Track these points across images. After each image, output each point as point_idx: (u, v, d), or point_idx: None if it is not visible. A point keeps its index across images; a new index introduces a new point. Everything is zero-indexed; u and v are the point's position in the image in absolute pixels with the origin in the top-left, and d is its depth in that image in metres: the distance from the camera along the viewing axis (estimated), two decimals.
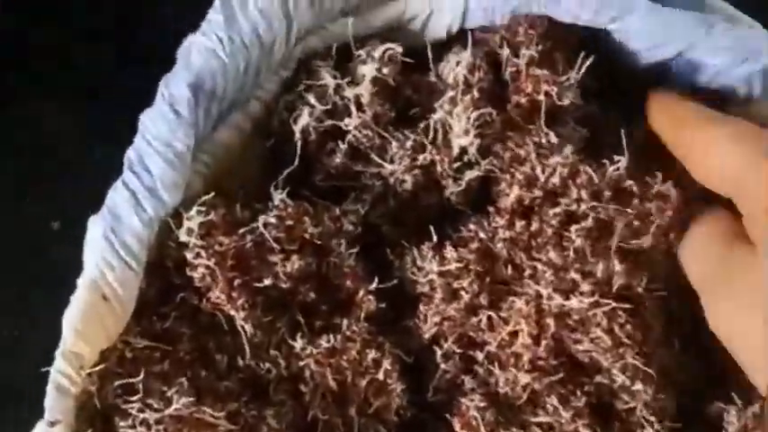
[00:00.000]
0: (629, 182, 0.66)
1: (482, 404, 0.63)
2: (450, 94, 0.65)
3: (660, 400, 0.63)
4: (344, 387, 0.64)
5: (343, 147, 0.67)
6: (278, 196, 0.64)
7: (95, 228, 0.61)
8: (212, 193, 0.63)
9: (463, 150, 0.66)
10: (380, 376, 0.64)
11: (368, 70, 0.66)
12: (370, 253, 0.68)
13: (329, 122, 0.66)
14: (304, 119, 0.66)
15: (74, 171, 0.88)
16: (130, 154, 0.63)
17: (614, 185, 0.66)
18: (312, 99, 0.66)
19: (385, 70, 0.67)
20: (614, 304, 0.62)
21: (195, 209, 0.62)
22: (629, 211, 0.64)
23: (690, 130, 0.63)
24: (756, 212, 0.56)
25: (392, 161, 0.66)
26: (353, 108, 0.66)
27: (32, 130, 0.88)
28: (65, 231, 0.86)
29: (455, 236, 0.67)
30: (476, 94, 0.65)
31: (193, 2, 0.63)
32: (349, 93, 0.66)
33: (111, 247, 0.60)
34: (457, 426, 0.64)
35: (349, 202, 0.66)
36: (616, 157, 0.67)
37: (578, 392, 0.63)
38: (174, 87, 0.63)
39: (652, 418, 0.62)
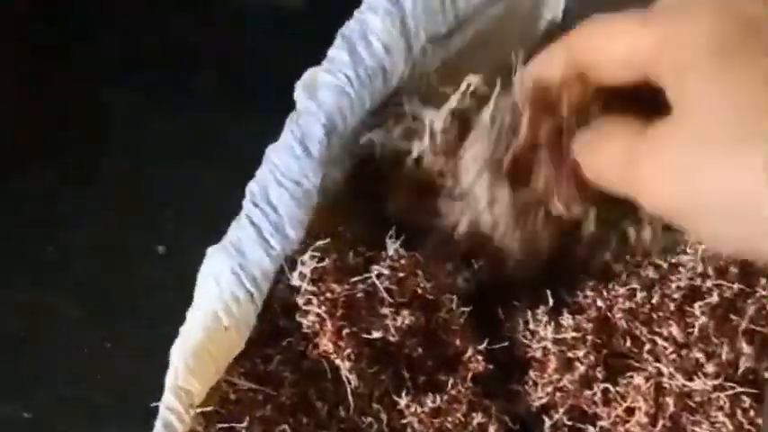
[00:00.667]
0: None
1: None
2: None
3: None
4: None
5: (409, 163, 0.65)
6: (392, 246, 0.62)
7: (217, 261, 0.60)
8: (327, 239, 0.61)
9: None
10: None
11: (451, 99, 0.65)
12: (479, 309, 0.66)
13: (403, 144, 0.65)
14: (380, 137, 0.65)
15: None
16: (253, 188, 0.62)
17: (742, 262, 0.63)
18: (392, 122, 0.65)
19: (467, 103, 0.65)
20: (739, 389, 0.58)
21: (309, 253, 0.61)
22: (758, 290, 0.61)
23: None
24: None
25: None
26: (427, 133, 0.64)
27: None
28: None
29: (571, 301, 0.64)
30: None
31: None
32: (427, 120, 0.65)
33: (238, 281, 0.59)
34: None
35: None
36: None
37: None
38: (306, 125, 0.62)
39: None
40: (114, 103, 0.87)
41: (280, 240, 0.61)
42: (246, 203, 0.62)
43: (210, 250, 0.61)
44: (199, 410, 0.57)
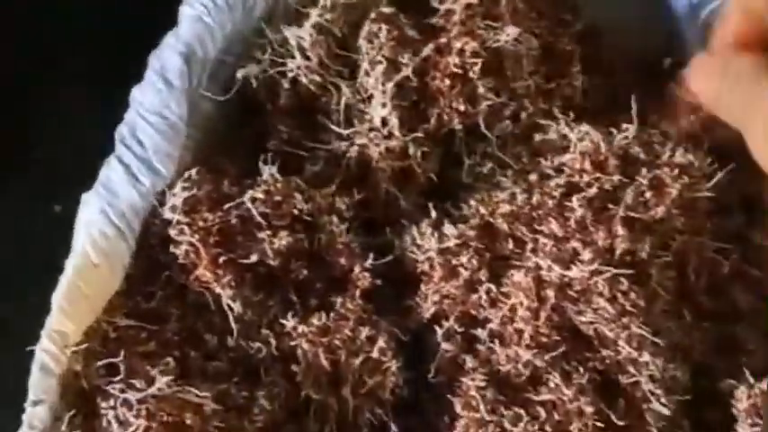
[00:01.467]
0: (638, 149, 0.62)
1: (483, 383, 0.59)
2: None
3: (669, 371, 0.57)
4: (338, 366, 0.60)
5: (286, 86, 0.63)
6: (267, 170, 0.61)
7: (89, 205, 0.59)
8: (196, 168, 0.60)
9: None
10: (375, 354, 0.60)
11: (312, 15, 0.63)
12: (371, 232, 0.65)
13: (275, 70, 0.64)
14: (252, 69, 0.64)
15: None
16: (122, 129, 0.60)
17: (622, 154, 0.62)
18: (259, 53, 0.64)
19: (328, 16, 0.63)
20: (615, 271, 0.57)
21: (180, 185, 0.59)
22: (638, 179, 0.60)
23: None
24: None
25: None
26: (297, 52, 0.63)
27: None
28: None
29: (457, 214, 0.63)
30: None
31: None
32: (293, 40, 0.63)
33: (106, 219, 0.58)
34: (458, 406, 0.59)
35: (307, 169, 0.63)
36: (624, 126, 0.63)
37: (581, 369, 0.58)
38: (165, 58, 0.61)
39: (658, 391, 0.56)
40: None
41: (149, 176, 0.59)
42: (117, 144, 0.60)
43: (85, 196, 0.60)
44: (74, 349, 0.55)
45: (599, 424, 0.57)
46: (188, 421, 0.55)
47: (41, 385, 0.55)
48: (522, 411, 0.58)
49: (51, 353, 0.55)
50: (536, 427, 0.57)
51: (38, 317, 0.57)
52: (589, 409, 0.57)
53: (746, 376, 0.58)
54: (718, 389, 0.59)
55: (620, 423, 0.57)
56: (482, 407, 0.58)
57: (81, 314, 0.56)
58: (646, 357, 0.57)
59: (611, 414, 0.57)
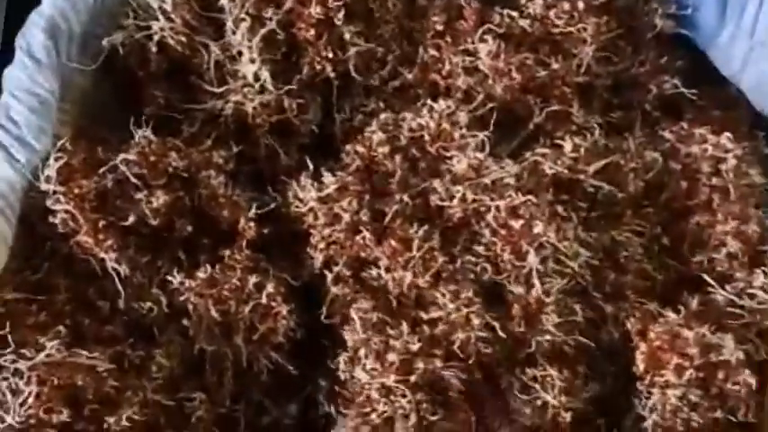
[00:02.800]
0: None
1: (367, 307, 0.59)
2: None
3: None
4: (228, 316, 0.59)
5: (153, 49, 0.63)
6: (139, 132, 0.60)
7: None
8: (67, 137, 0.59)
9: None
10: (264, 300, 0.59)
11: None
12: (259, 189, 0.64)
13: (141, 34, 0.63)
14: (117, 37, 0.63)
15: None
16: None
17: None
18: (123, 20, 0.63)
19: None
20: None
21: (54, 155, 0.59)
22: None
23: None
24: None
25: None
26: (160, 15, 0.62)
27: None
28: None
29: (336, 165, 0.63)
30: None
31: None
32: (154, 3, 0.62)
33: None
34: (347, 335, 0.59)
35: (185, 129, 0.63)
36: None
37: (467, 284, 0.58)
38: (30, 36, 0.60)
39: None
40: None
41: (23, 152, 0.58)
42: None
43: None
44: None
45: (483, 333, 0.56)
46: (80, 383, 0.55)
47: None
48: (405, 326, 0.57)
49: None
50: (419, 338, 0.57)
51: None
52: (476, 321, 0.57)
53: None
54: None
55: (503, 334, 0.57)
56: (368, 330, 0.58)
57: None
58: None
59: (497, 324, 0.57)
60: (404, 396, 0.56)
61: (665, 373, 0.55)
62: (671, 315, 0.57)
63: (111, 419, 0.55)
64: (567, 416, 0.57)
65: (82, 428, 0.55)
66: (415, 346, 0.56)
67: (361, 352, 0.57)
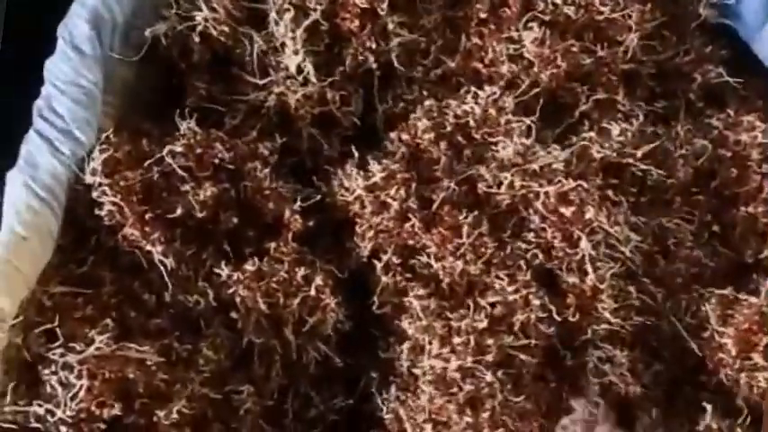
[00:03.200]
0: None
1: (425, 295, 0.58)
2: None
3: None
4: (277, 309, 0.58)
5: (196, 40, 0.61)
6: (184, 124, 0.59)
7: (13, 183, 0.57)
8: (111, 129, 0.58)
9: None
10: (312, 293, 0.58)
11: None
12: (301, 181, 0.63)
13: (184, 25, 0.61)
14: (160, 27, 0.61)
15: None
16: (39, 103, 0.58)
17: None
18: (166, 11, 0.62)
19: None
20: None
21: (98, 148, 0.58)
22: None
23: None
24: None
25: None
26: (203, 5, 0.61)
27: None
28: None
29: (379, 153, 0.62)
30: None
31: None
32: None
33: (31, 192, 0.55)
34: (405, 323, 0.58)
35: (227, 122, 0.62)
36: None
37: (524, 266, 0.57)
38: (73, 27, 0.58)
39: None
40: None
41: (69, 145, 0.57)
42: (35, 119, 0.58)
43: (9, 175, 0.57)
44: (12, 323, 0.53)
45: (541, 314, 0.56)
46: (131, 376, 0.53)
47: None
48: (466, 310, 0.57)
49: None
50: (482, 317, 0.56)
51: None
52: (536, 302, 0.56)
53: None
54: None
55: (560, 318, 0.56)
56: (427, 315, 0.57)
57: (15, 289, 0.54)
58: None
59: (553, 308, 0.56)
60: (484, 375, 0.55)
61: (753, 356, 0.55)
62: (752, 298, 0.56)
63: (162, 413, 0.54)
64: (634, 392, 0.56)
65: (132, 422, 0.54)
66: (483, 324, 0.56)
67: (425, 339, 0.56)
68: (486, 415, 0.55)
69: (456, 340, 0.55)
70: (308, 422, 0.60)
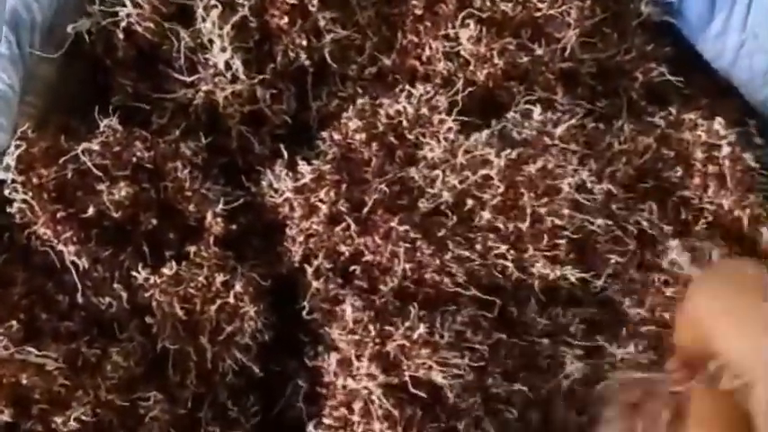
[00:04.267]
0: None
1: (359, 305, 0.54)
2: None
3: None
4: (194, 315, 0.54)
5: (121, 36, 0.58)
6: (104, 122, 0.56)
7: None
8: (27, 125, 0.55)
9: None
10: (231, 300, 0.54)
11: None
12: (232, 182, 0.60)
13: (108, 21, 0.58)
14: (84, 23, 0.58)
15: None
16: None
17: None
18: (89, 6, 0.59)
19: None
20: None
21: (13, 143, 0.54)
22: None
23: None
24: None
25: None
26: (127, 1, 0.58)
27: None
28: None
29: (313, 154, 0.59)
30: None
31: None
32: None
33: None
34: (335, 332, 0.54)
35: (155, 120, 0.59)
36: None
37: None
38: None
39: None
40: None
41: None
42: None
43: None
44: None
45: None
46: (24, 382, 0.50)
47: None
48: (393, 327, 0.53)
49: None
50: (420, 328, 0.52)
51: None
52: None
53: None
54: None
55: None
56: (360, 328, 0.53)
57: None
58: None
59: None
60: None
61: None
62: None
63: (59, 420, 0.50)
64: None
65: (29, 428, 0.50)
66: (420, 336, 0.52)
67: (352, 353, 0.52)
68: None
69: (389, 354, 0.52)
70: (223, 431, 0.56)
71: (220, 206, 0.56)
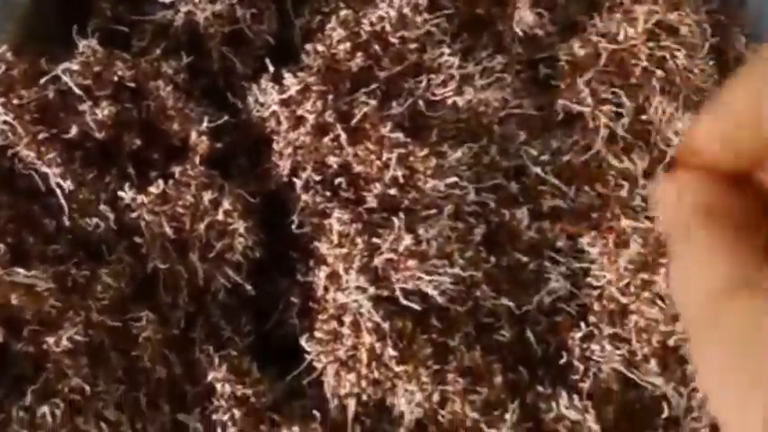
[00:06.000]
0: None
1: (347, 218, 0.52)
2: None
3: None
4: (183, 233, 0.52)
5: None
6: (83, 42, 0.53)
7: None
8: (4, 47, 0.52)
9: None
10: (220, 217, 0.52)
11: None
12: (215, 101, 0.57)
13: None
14: None
15: None
16: None
17: None
18: None
19: None
20: None
21: None
22: None
23: None
24: None
25: None
26: None
27: None
28: None
29: (297, 69, 0.56)
30: None
31: None
32: None
33: None
34: (324, 247, 0.52)
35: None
36: None
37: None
38: None
39: None
40: None
41: None
42: None
43: None
44: None
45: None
46: (14, 301, 0.48)
47: None
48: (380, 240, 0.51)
49: None
50: (409, 241, 0.50)
51: None
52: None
53: None
54: None
55: None
56: (347, 242, 0.51)
57: None
58: None
59: None
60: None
61: None
62: None
63: (52, 340, 0.48)
64: None
65: (20, 349, 0.48)
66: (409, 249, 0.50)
67: (341, 267, 0.50)
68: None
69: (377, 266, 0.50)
70: (217, 350, 0.54)
71: (205, 125, 0.54)
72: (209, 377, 0.51)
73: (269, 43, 0.58)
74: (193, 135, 0.54)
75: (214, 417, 0.51)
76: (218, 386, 0.51)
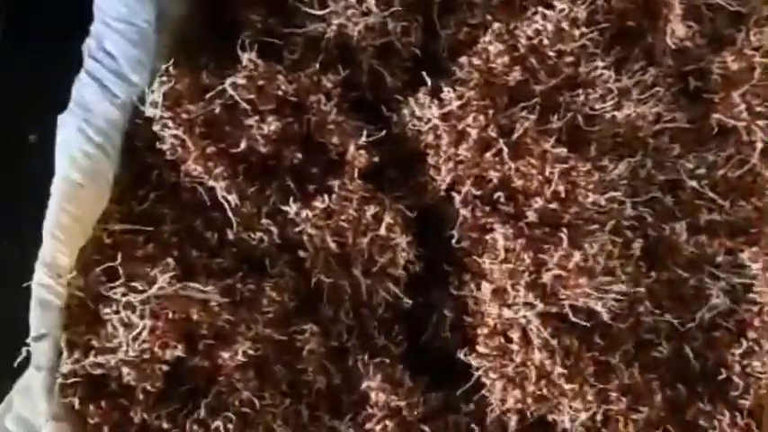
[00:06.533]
0: None
1: (510, 233, 0.51)
2: None
3: None
4: (346, 248, 0.52)
5: None
6: (246, 56, 0.52)
7: (66, 126, 0.50)
8: (172, 61, 0.51)
9: None
10: (382, 232, 0.51)
11: None
12: (363, 114, 0.56)
13: None
14: None
15: None
16: (89, 42, 0.52)
17: None
18: None
19: None
20: None
21: (157, 80, 0.51)
22: None
23: None
24: None
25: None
26: None
27: None
28: None
29: (449, 80, 0.55)
30: None
31: None
32: None
33: (84, 137, 0.49)
34: (486, 261, 0.51)
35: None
36: None
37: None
38: None
39: None
40: None
41: (123, 87, 0.51)
42: (86, 59, 0.52)
43: (60, 118, 0.51)
44: (70, 277, 0.47)
45: None
46: (195, 317, 0.47)
47: (42, 319, 0.47)
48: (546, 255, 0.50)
49: (47, 285, 0.46)
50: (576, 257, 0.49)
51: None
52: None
53: None
54: None
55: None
56: (511, 256, 0.50)
57: (73, 237, 0.48)
58: None
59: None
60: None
61: None
62: None
63: (227, 355, 0.48)
64: None
65: (196, 364, 0.48)
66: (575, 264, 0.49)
67: (507, 282, 0.49)
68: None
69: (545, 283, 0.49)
70: (371, 358, 0.53)
71: (363, 138, 0.53)
72: (363, 385, 0.51)
73: (416, 55, 0.57)
74: (351, 149, 0.53)
75: (367, 426, 0.50)
76: (373, 394, 0.50)
